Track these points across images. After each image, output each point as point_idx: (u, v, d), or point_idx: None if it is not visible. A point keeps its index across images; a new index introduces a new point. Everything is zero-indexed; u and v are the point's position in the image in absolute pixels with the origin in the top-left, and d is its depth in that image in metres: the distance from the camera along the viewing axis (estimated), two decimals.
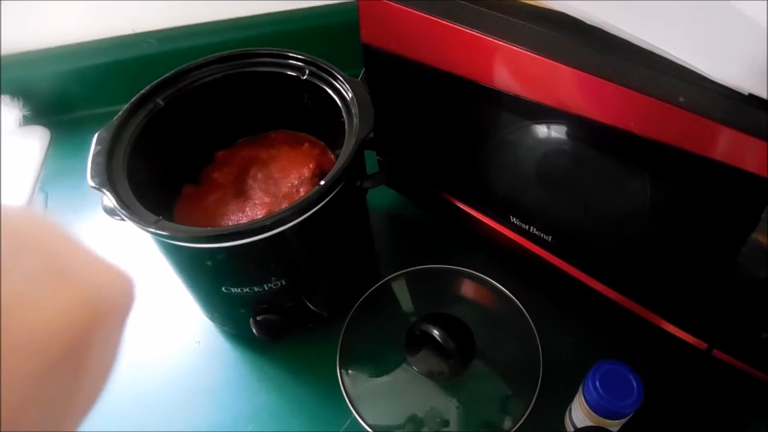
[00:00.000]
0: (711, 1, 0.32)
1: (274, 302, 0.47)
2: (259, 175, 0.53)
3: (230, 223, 0.49)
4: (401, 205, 0.64)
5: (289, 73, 0.51)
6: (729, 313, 0.39)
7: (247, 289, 0.45)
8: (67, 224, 0.17)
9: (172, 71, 0.50)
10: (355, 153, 0.42)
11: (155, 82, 0.49)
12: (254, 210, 0.50)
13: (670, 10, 0.33)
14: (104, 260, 0.17)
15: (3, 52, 0.74)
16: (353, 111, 0.46)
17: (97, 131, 0.45)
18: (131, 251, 0.56)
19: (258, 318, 0.47)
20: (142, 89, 0.48)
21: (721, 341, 0.41)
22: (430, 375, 0.50)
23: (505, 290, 0.56)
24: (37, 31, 0.74)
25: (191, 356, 0.55)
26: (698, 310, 0.41)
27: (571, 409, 0.45)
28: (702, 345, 0.42)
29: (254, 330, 0.48)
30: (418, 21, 0.42)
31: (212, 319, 0.55)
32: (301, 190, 0.50)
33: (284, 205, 0.47)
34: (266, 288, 0.45)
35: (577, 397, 0.43)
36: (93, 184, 0.42)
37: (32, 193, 0.71)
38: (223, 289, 0.45)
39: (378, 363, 0.52)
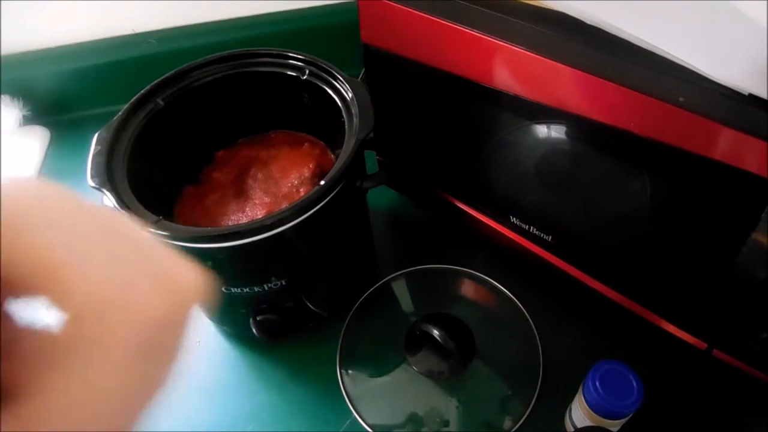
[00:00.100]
0: (711, 1, 0.32)
1: (274, 302, 0.47)
2: (259, 175, 0.53)
3: (230, 223, 0.49)
4: (401, 205, 0.64)
5: (289, 73, 0.51)
6: (729, 313, 0.39)
7: (247, 289, 0.45)
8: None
9: (172, 71, 0.50)
10: (355, 153, 0.42)
11: (155, 82, 0.49)
12: (254, 210, 0.50)
13: (670, 10, 0.33)
14: (179, 256, 0.18)
15: (3, 52, 0.74)
16: (353, 111, 0.46)
17: (97, 131, 0.45)
18: None
19: (258, 318, 0.47)
20: (142, 89, 0.48)
21: (721, 341, 0.41)
22: (430, 375, 0.50)
23: (505, 290, 0.56)
24: (37, 31, 0.74)
25: (191, 356, 0.55)
26: (698, 310, 0.41)
27: (571, 409, 0.45)
28: (702, 345, 0.42)
29: (254, 330, 0.48)
30: (418, 21, 0.42)
31: (212, 319, 0.55)
32: (301, 190, 0.50)
33: (284, 205, 0.47)
34: (266, 288, 0.45)
35: (577, 397, 0.43)
36: (93, 184, 0.42)
37: None
38: (223, 289, 0.45)
39: (378, 363, 0.52)
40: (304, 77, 0.50)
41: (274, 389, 0.52)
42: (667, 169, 0.36)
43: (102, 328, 0.14)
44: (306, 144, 0.55)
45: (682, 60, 0.32)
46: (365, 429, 0.48)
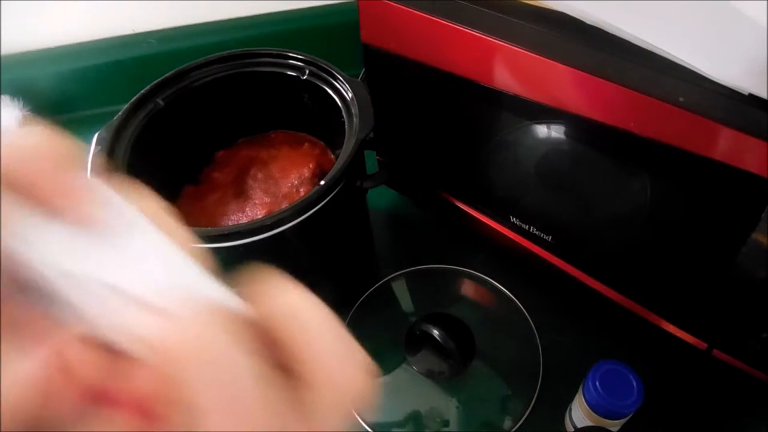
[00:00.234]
0: (711, 1, 0.32)
1: None
2: (259, 175, 0.53)
3: (230, 223, 0.49)
4: (401, 205, 0.64)
5: (289, 73, 0.51)
6: (729, 313, 0.39)
7: None
8: None
9: (172, 71, 0.50)
10: (355, 153, 0.42)
11: (155, 82, 0.49)
12: (254, 210, 0.50)
13: (670, 10, 0.33)
14: None
15: (3, 52, 0.74)
16: (353, 111, 0.46)
17: (97, 131, 0.45)
18: None
19: None
20: (142, 89, 0.48)
21: (721, 341, 0.41)
22: (430, 375, 0.50)
23: (505, 290, 0.56)
24: (37, 31, 0.74)
25: None
26: (698, 310, 0.41)
27: (571, 409, 0.45)
28: (702, 345, 0.42)
29: None
30: (418, 21, 0.42)
31: None
32: (301, 190, 0.50)
33: (284, 205, 0.47)
34: None
35: (577, 397, 0.43)
36: None
37: None
38: None
39: (378, 363, 0.52)
40: (304, 77, 0.50)
41: None
42: (667, 169, 0.36)
43: None
44: (306, 144, 0.55)
45: (682, 60, 0.32)
46: (365, 429, 0.48)
